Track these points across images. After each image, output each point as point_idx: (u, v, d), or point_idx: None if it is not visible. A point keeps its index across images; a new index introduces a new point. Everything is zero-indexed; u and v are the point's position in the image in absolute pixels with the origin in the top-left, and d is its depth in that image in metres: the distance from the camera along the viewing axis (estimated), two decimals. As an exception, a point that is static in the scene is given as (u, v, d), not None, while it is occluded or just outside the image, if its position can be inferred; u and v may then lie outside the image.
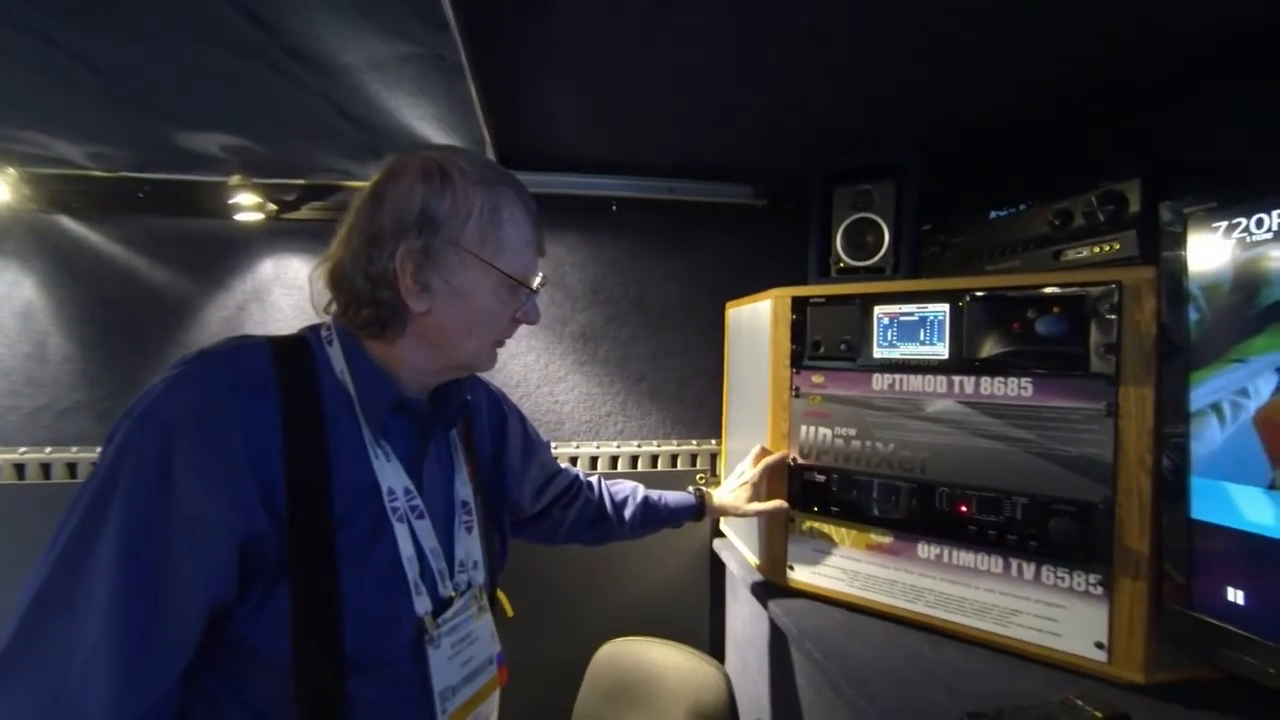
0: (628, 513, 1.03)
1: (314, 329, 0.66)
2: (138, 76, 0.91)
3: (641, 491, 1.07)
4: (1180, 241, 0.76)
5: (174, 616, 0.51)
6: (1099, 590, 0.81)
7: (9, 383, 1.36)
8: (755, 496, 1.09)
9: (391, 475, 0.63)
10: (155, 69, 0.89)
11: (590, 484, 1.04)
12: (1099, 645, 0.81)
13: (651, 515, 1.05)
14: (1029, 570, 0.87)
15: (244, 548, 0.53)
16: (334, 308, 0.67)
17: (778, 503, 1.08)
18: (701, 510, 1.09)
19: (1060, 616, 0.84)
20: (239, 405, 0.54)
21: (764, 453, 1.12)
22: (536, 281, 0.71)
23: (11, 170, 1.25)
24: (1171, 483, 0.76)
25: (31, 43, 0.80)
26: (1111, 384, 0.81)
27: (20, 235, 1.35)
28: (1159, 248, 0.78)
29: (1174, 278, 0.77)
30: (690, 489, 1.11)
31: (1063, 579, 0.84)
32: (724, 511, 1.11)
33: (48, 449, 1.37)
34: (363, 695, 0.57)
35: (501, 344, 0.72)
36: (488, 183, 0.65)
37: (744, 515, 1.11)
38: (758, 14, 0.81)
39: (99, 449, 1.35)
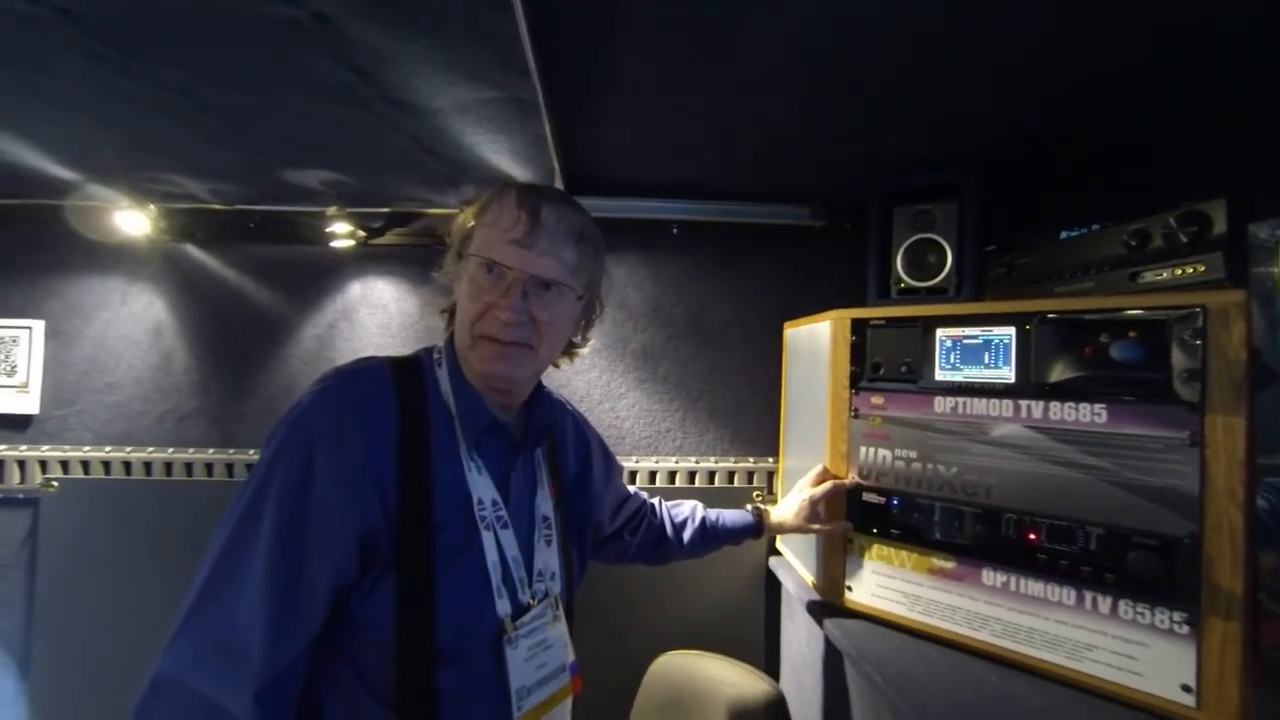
0: (687, 535, 1.06)
1: (427, 351, 0.76)
2: (260, 125, 1.04)
3: (700, 512, 1.10)
4: (1273, 264, 0.73)
5: (309, 587, 0.60)
6: (1185, 630, 0.77)
7: (141, 390, 1.56)
8: (814, 515, 1.09)
9: (482, 487, 0.69)
10: (275, 118, 1.01)
11: (653, 506, 1.08)
12: (1186, 688, 0.77)
13: (710, 536, 1.08)
14: (1105, 604, 0.83)
15: (363, 538, 0.62)
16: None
17: (839, 524, 1.09)
18: (760, 528, 1.11)
19: (1141, 655, 0.80)
20: (364, 417, 0.64)
21: (825, 473, 1.12)
22: (507, 267, 0.67)
23: (152, 207, 1.44)
24: (1268, 519, 0.72)
25: (178, 100, 0.93)
26: (1196, 412, 0.77)
27: (156, 263, 1.55)
28: (1248, 270, 0.75)
29: (1267, 301, 0.73)
30: (749, 507, 1.13)
31: (1143, 615, 0.80)
32: (782, 529, 1.12)
33: (170, 449, 1.54)
34: (450, 685, 0.64)
35: (494, 341, 0.69)
36: (493, 193, 0.73)
37: (803, 533, 1.12)
38: (818, 42, 0.84)
39: (211, 450, 1.52)
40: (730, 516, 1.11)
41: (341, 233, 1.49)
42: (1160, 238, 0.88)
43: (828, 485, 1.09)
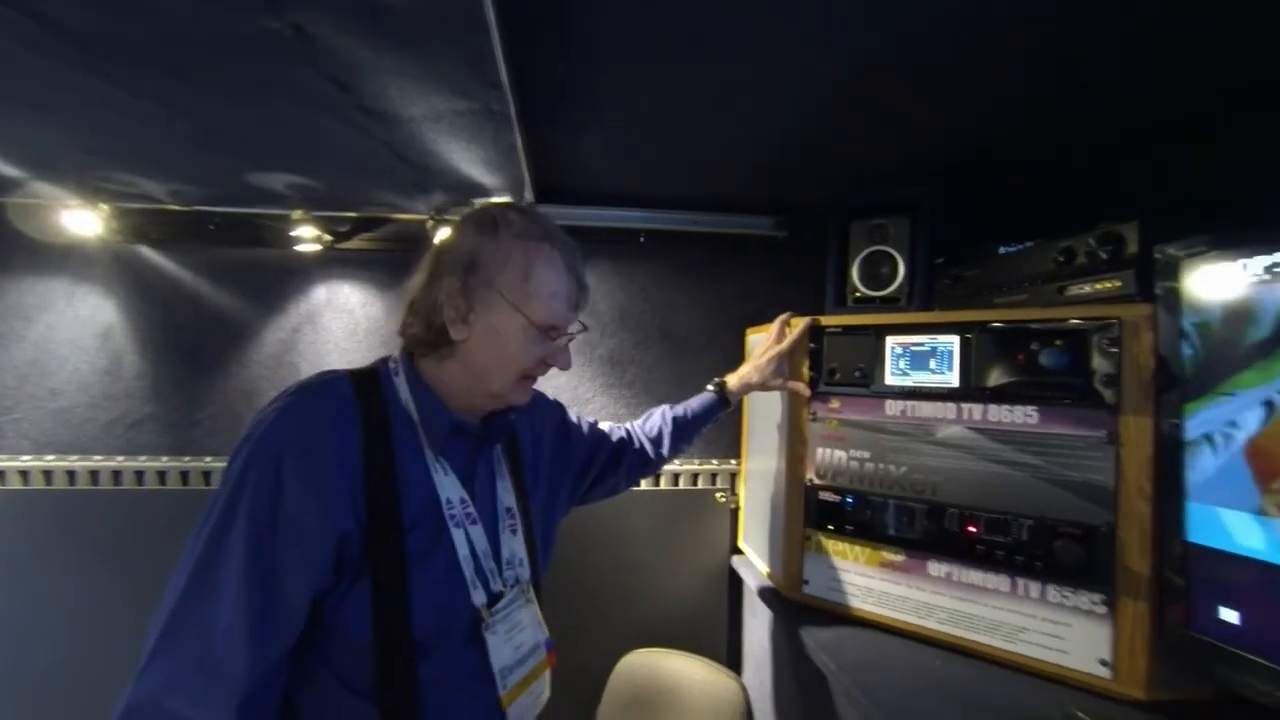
0: (667, 445, 1.11)
1: (384, 361, 0.77)
2: (229, 129, 1.03)
3: (669, 414, 1.13)
4: (1175, 281, 0.82)
5: (287, 598, 0.61)
6: (1103, 610, 0.85)
7: (88, 396, 1.50)
8: (779, 371, 1.15)
9: (449, 487, 0.72)
10: (245, 123, 1.00)
11: (628, 435, 1.10)
12: (1103, 663, 0.85)
13: (686, 430, 1.13)
14: (1035, 589, 0.91)
15: (338, 546, 0.63)
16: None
17: (800, 384, 1.15)
18: (725, 401, 1.16)
19: (1066, 634, 0.88)
20: (331, 430, 0.65)
21: (783, 328, 1.17)
22: (566, 331, 0.77)
23: (104, 206, 1.40)
24: (1169, 508, 0.80)
25: (150, 105, 0.92)
26: (1112, 413, 0.86)
27: (106, 264, 1.50)
28: (1155, 286, 0.84)
29: (1170, 315, 0.82)
30: (709, 386, 1.18)
31: (1067, 598, 0.88)
32: (749, 388, 1.17)
33: (119, 458, 1.49)
34: (432, 673, 0.66)
35: (532, 379, 0.78)
36: (529, 236, 0.74)
37: (767, 389, 1.18)
38: (782, 70, 0.90)
39: (165, 458, 1.47)
40: (696, 404, 1.15)
41: (307, 236, 1.47)
42: (1084, 255, 0.97)
43: (794, 336, 1.16)
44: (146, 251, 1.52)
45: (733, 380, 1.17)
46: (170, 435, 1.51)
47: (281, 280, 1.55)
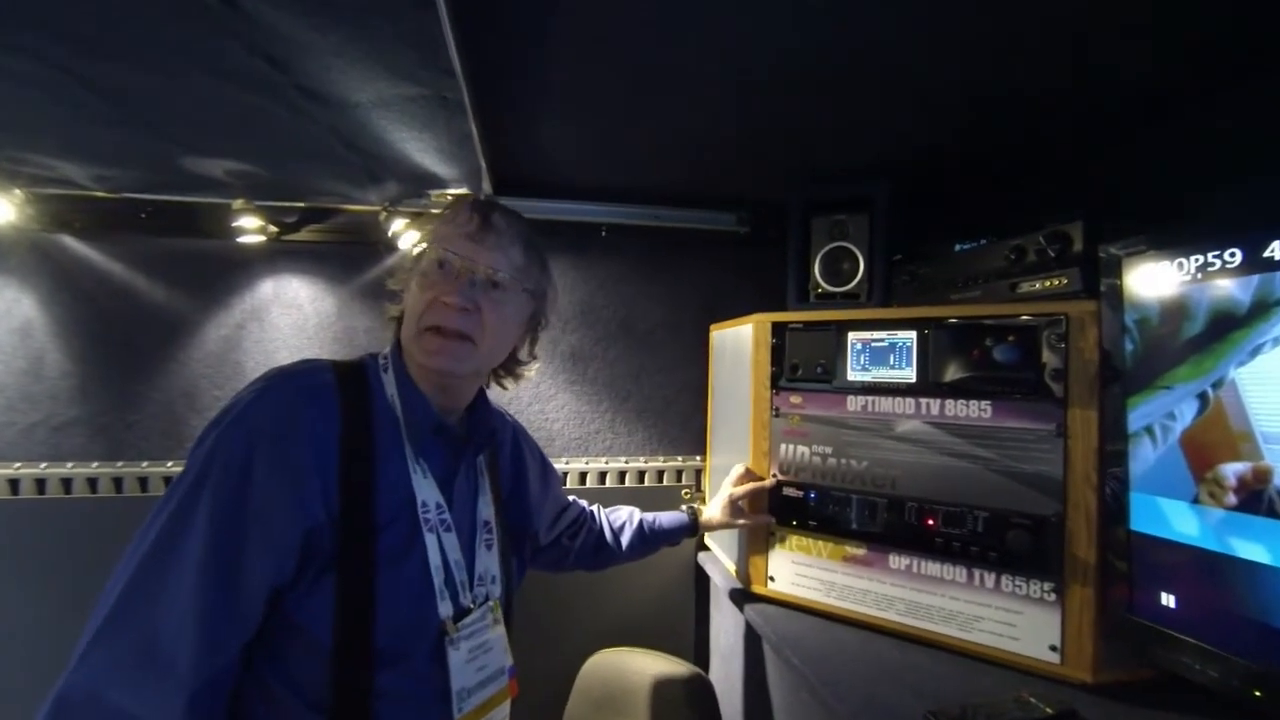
0: (626, 539, 1.10)
1: (373, 356, 0.75)
2: (156, 108, 0.95)
3: (638, 516, 1.13)
4: (1117, 278, 0.84)
5: (247, 586, 0.58)
6: (1052, 597, 0.88)
7: (3, 398, 1.38)
8: (737, 511, 1.16)
9: (426, 490, 0.69)
10: (174, 102, 0.93)
11: (592, 514, 1.11)
12: (1053, 648, 0.88)
13: (649, 538, 1.12)
14: (989, 579, 0.93)
15: (305, 535, 0.60)
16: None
17: (761, 517, 1.15)
18: (695, 527, 1.16)
19: (1018, 622, 0.91)
20: (307, 418, 0.63)
21: (747, 473, 1.18)
22: (458, 254, 0.70)
23: (17, 191, 1.28)
24: (1113, 497, 0.83)
25: (56, 76, 0.84)
26: (1060, 407, 0.88)
27: (22, 254, 1.38)
28: (1099, 283, 0.86)
29: (1113, 311, 0.85)
30: (683, 507, 1.18)
31: (1020, 587, 0.91)
32: (710, 526, 1.17)
33: (43, 464, 1.38)
34: (389, 687, 0.63)
35: (439, 331, 0.69)
36: (448, 204, 0.78)
37: (730, 528, 1.18)
38: (741, 60, 0.89)
39: (95, 464, 1.37)
40: (666, 518, 1.15)
41: (250, 227, 1.39)
42: (1033, 253, 1.00)
43: (748, 485, 1.15)
44: (70, 241, 1.40)
45: (703, 514, 1.18)
46: (101, 439, 1.41)
47: (223, 274, 1.47)
